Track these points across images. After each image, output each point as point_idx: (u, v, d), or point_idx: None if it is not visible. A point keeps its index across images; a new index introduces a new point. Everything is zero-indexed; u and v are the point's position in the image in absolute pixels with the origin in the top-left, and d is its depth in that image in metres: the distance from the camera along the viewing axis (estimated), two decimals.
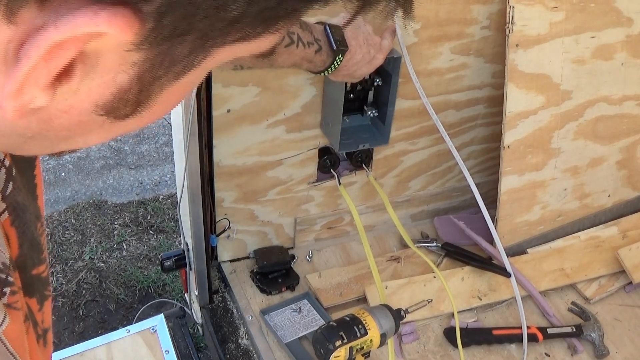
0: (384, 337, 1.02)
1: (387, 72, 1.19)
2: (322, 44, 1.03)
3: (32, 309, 0.50)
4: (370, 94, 1.26)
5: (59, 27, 0.27)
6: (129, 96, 0.33)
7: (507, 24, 1.25)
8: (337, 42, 1.03)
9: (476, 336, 1.32)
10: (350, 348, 0.99)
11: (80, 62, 0.30)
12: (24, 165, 0.49)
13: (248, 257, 1.47)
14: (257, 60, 0.98)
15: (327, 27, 1.04)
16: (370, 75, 1.19)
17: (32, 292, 0.50)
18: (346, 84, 1.19)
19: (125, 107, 0.33)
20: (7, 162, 0.46)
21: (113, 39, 0.29)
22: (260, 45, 0.34)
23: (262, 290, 1.40)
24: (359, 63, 1.09)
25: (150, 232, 2.74)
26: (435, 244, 1.51)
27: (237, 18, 0.30)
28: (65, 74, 0.30)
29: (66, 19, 0.27)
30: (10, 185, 0.46)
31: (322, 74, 1.08)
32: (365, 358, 1.04)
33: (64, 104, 0.32)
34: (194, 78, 0.35)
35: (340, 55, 1.04)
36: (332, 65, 1.05)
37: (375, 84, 1.22)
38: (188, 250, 1.42)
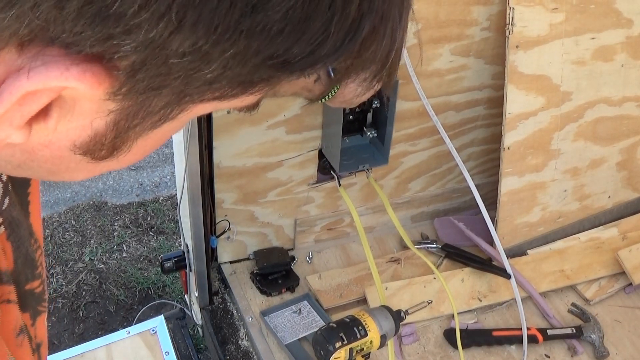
0: (384, 339, 1.02)
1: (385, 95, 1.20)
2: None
3: (26, 324, 0.50)
4: (369, 116, 1.27)
5: (30, 77, 0.28)
6: (105, 140, 0.33)
7: (507, 25, 1.25)
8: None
9: (476, 337, 1.32)
10: (350, 349, 0.99)
11: (56, 106, 0.30)
12: (19, 182, 0.50)
13: (248, 259, 1.47)
14: None
15: None
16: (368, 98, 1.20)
17: (25, 307, 0.50)
18: None
19: (101, 150, 0.34)
20: (4, 177, 0.46)
21: (86, 90, 0.29)
22: (242, 102, 0.34)
23: (262, 292, 1.40)
24: (355, 91, 1.09)
25: (150, 233, 2.74)
26: (435, 245, 1.50)
27: (213, 80, 0.30)
28: (43, 114, 0.30)
29: (38, 70, 0.28)
30: (7, 200, 0.46)
31: (319, 101, 1.08)
32: (365, 359, 1.04)
33: (44, 138, 0.32)
34: (171, 128, 0.35)
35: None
36: (329, 93, 1.05)
37: (374, 105, 1.23)
38: (188, 251, 1.42)
